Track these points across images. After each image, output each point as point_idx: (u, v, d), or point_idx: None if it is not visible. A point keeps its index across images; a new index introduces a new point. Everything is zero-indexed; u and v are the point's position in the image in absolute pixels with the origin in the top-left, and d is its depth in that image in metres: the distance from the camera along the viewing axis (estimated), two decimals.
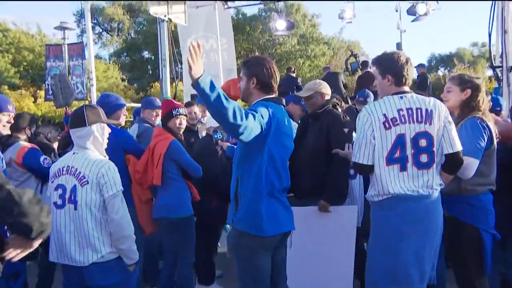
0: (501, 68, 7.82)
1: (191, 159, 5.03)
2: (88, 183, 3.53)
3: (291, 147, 3.80)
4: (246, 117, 3.25)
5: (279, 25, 14.72)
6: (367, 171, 3.70)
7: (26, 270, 4.27)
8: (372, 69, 4.20)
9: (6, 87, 25.98)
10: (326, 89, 5.33)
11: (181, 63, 12.23)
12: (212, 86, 3.11)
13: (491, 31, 8.25)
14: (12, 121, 4.40)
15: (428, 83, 15.81)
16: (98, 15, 37.53)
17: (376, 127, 3.59)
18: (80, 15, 33.65)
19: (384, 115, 3.59)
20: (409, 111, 3.60)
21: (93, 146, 3.69)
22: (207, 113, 7.79)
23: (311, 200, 4.85)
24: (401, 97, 3.67)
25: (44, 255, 4.46)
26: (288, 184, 3.76)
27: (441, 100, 4.09)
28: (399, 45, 25.10)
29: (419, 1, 12.80)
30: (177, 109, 5.11)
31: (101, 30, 39.27)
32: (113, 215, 3.53)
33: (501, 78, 7.84)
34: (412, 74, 3.83)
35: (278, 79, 3.79)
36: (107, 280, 3.59)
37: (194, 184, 5.26)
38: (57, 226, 3.61)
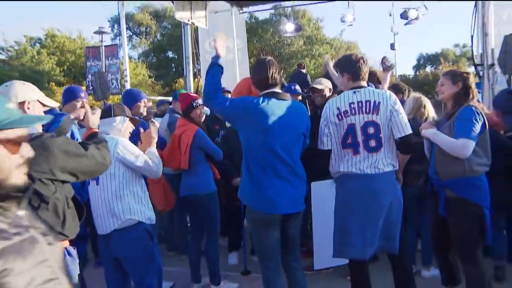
0: (481, 66, 7.87)
1: (213, 145, 5.09)
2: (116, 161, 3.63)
3: (288, 134, 3.73)
4: (216, 96, 3.71)
5: (288, 27, 14.79)
6: (327, 155, 3.85)
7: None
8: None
9: (53, 84, 26.43)
10: (329, 83, 5.62)
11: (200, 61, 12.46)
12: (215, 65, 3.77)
13: (473, 33, 8.30)
14: (84, 106, 4.49)
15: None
16: (129, 21, 37.59)
17: (331, 119, 3.77)
18: (114, 21, 33.88)
19: (338, 108, 3.75)
20: (359, 103, 3.73)
21: (113, 132, 3.79)
22: None
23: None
24: (355, 92, 3.78)
25: None
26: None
27: (428, 95, 4.18)
28: (392, 45, 25.10)
29: (411, 7, 12.86)
30: (196, 101, 5.11)
31: (131, 34, 39.31)
32: (144, 170, 3.74)
33: (482, 74, 7.88)
34: (366, 71, 3.90)
35: (272, 74, 3.74)
36: (130, 251, 3.64)
37: (224, 166, 5.41)
38: (91, 201, 3.74)
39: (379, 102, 3.71)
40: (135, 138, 4.11)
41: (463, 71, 4.34)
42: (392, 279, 4.05)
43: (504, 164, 4.71)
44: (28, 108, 2.66)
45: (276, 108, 3.63)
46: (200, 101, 5.12)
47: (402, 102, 5.69)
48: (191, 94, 5.41)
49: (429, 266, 5.17)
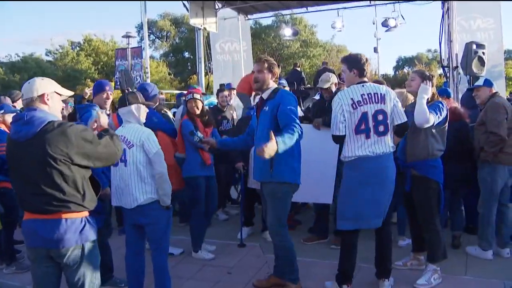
0: (448, 68, 7.85)
1: (187, 135, 4.80)
2: (133, 146, 3.55)
3: None
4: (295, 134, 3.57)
5: (287, 32, 14.78)
6: (341, 140, 3.75)
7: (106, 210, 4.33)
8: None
9: (89, 80, 26.71)
10: (335, 79, 5.50)
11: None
12: (284, 144, 3.41)
13: (441, 40, 8.30)
14: (110, 98, 4.50)
15: None
16: (153, 27, 37.60)
17: (346, 108, 3.66)
18: (140, 27, 33.85)
19: (352, 99, 3.67)
20: (369, 95, 3.69)
21: (133, 120, 3.70)
22: (233, 96, 7.90)
23: None
24: (363, 86, 3.74)
25: None
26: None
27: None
28: (375, 49, 24.92)
29: (390, 17, 12.82)
30: (187, 96, 5.03)
31: (154, 38, 39.26)
32: (158, 167, 3.54)
33: (448, 75, 7.87)
34: (369, 70, 3.88)
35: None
36: (147, 218, 3.62)
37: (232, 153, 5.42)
38: (115, 179, 3.68)
39: (384, 94, 3.72)
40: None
41: (430, 72, 4.37)
42: (368, 245, 4.13)
43: (464, 148, 4.84)
44: (48, 99, 2.70)
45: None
46: (192, 95, 4.98)
47: None
48: (191, 89, 5.22)
49: (404, 236, 5.17)
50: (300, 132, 3.61)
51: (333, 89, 5.36)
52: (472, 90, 5.14)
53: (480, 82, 4.87)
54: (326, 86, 5.36)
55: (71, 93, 2.94)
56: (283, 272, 4.02)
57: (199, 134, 4.05)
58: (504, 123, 4.58)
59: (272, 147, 3.26)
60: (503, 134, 4.54)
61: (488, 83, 4.82)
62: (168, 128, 5.02)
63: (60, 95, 2.80)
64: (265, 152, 3.23)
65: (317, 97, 6.12)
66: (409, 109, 4.14)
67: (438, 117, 3.96)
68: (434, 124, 3.95)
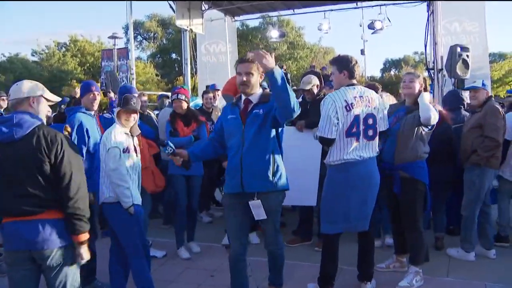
0: (433, 70, 7.90)
1: (168, 134, 4.97)
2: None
3: None
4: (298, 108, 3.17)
5: (274, 34, 14.78)
6: (329, 143, 3.66)
7: None
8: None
9: (74, 81, 26.54)
10: (317, 81, 5.44)
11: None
12: (280, 76, 3.02)
13: (426, 43, 8.36)
14: (97, 98, 4.40)
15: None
16: (140, 28, 37.45)
17: (340, 110, 3.60)
18: (127, 28, 33.70)
19: (345, 101, 3.61)
20: (361, 98, 3.67)
21: (115, 120, 3.81)
22: (218, 98, 7.84)
23: None
24: (354, 88, 3.71)
25: None
26: None
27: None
28: (362, 51, 25.10)
29: (377, 20, 12.88)
30: (173, 96, 5.07)
31: (141, 39, 39.08)
32: (106, 165, 3.60)
33: (433, 77, 7.92)
34: (359, 72, 3.86)
35: None
36: (112, 220, 3.70)
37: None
38: None
39: (373, 98, 3.72)
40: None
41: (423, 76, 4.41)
42: (350, 247, 4.11)
43: (447, 151, 4.89)
44: (33, 102, 2.73)
45: None
46: (177, 96, 4.99)
47: None
48: (176, 90, 5.16)
49: (390, 235, 5.09)
50: (297, 105, 3.14)
51: (315, 90, 5.34)
52: (459, 91, 5.13)
53: (478, 83, 4.78)
54: (307, 87, 5.34)
55: (59, 98, 2.98)
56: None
57: (171, 144, 3.71)
58: (502, 128, 4.60)
59: (271, 60, 3.02)
60: (500, 140, 4.58)
61: (484, 85, 4.79)
62: (143, 130, 4.96)
63: (48, 100, 2.82)
64: (267, 57, 3.01)
65: (299, 99, 6.09)
66: (389, 110, 4.19)
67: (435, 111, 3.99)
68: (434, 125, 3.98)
